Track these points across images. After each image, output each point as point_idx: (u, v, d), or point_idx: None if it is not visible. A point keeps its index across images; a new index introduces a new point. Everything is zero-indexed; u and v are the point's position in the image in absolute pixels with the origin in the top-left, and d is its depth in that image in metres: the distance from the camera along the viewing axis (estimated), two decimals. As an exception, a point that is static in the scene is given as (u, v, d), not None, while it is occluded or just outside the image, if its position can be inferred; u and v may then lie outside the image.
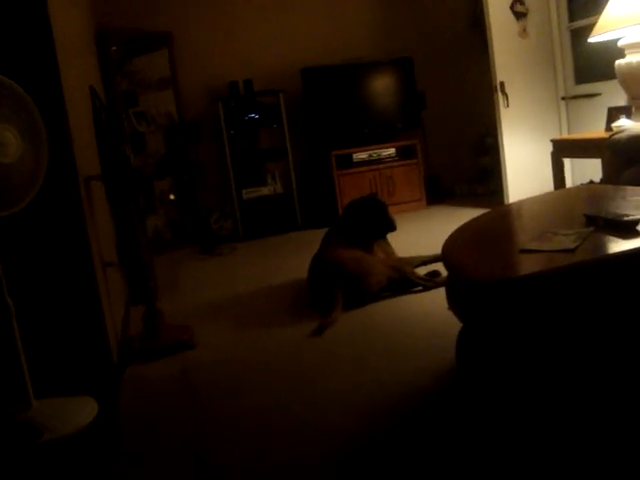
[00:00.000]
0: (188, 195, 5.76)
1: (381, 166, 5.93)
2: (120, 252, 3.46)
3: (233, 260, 4.90)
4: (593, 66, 4.93)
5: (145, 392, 2.49)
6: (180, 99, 5.68)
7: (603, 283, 1.70)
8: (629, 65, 3.66)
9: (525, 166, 5.13)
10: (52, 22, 2.34)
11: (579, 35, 5.03)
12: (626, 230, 1.87)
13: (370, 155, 5.94)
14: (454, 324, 2.16)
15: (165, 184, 5.71)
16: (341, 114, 5.97)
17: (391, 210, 3.71)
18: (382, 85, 6.11)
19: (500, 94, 5.02)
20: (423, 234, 4.78)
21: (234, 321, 3.27)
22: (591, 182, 4.46)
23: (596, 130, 4.58)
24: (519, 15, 5.09)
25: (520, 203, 2.84)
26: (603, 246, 1.90)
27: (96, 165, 3.12)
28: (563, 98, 5.28)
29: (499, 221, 2.61)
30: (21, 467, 1.92)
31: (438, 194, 6.30)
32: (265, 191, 5.81)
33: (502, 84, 5.01)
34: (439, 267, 3.47)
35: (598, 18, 3.79)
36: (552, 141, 4.35)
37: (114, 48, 5.27)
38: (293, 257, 4.57)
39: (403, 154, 6.03)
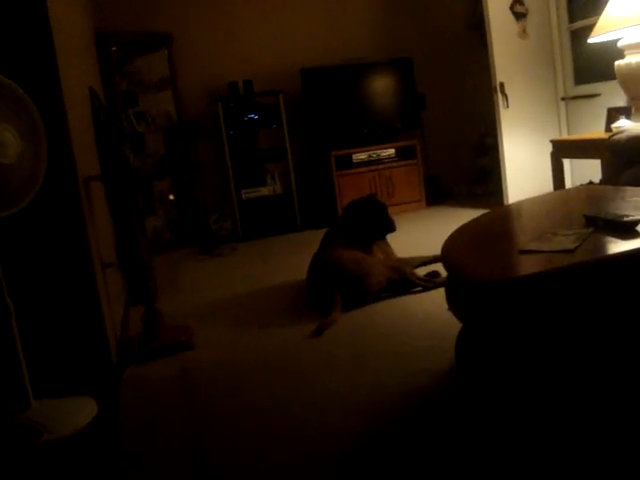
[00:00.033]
0: (187, 195, 5.76)
1: (380, 167, 5.94)
2: (119, 252, 3.46)
3: (232, 260, 4.90)
4: (593, 67, 4.93)
5: (144, 392, 2.49)
6: (180, 99, 5.68)
7: (603, 284, 1.70)
8: (629, 66, 3.66)
9: (525, 167, 5.13)
10: (52, 22, 2.34)
11: (579, 36, 5.04)
12: (625, 231, 1.87)
13: (370, 156, 5.94)
14: (454, 325, 2.16)
15: (164, 184, 5.71)
16: (341, 115, 5.97)
17: (391, 211, 3.71)
18: (382, 85, 6.11)
19: (500, 95, 5.02)
20: (423, 235, 4.78)
21: (233, 321, 3.26)
22: (590, 183, 4.46)
23: (596, 131, 4.58)
24: (519, 16, 5.09)
25: (520, 204, 2.84)
26: (603, 247, 1.90)
27: (95, 165, 3.12)
28: (563, 99, 5.29)
29: (499, 222, 2.61)
30: (20, 467, 1.92)
31: (438, 195, 6.30)
32: (264, 191, 5.81)
33: (502, 85, 5.01)
34: (439, 268, 3.47)
35: (598, 19, 3.79)
36: (552, 142, 4.35)
37: (114, 48, 5.28)
38: (292, 257, 4.57)
39: (403, 155, 6.03)
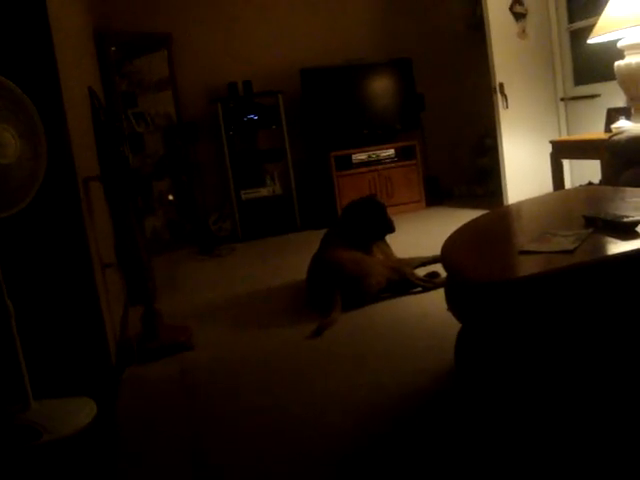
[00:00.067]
0: (187, 196, 5.76)
1: (380, 167, 5.94)
2: (119, 253, 3.46)
3: (232, 261, 4.89)
4: (592, 67, 4.93)
5: (144, 393, 2.49)
6: (179, 100, 5.68)
7: (602, 284, 1.70)
8: (628, 66, 3.66)
9: (524, 167, 5.13)
10: (51, 22, 2.34)
11: (578, 36, 5.04)
12: (625, 231, 1.88)
13: (369, 156, 5.94)
14: (453, 325, 2.16)
15: (164, 185, 5.71)
16: (340, 115, 5.97)
17: (390, 211, 3.71)
18: (381, 86, 6.11)
19: (499, 95, 5.02)
20: (422, 235, 4.78)
21: (233, 322, 3.26)
22: (590, 183, 4.47)
23: (595, 131, 4.58)
24: (518, 16, 5.10)
25: (519, 204, 2.84)
26: (602, 247, 1.90)
27: (95, 166, 3.12)
28: (562, 99, 5.29)
29: (498, 222, 2.61)
30: (20, 468, 1.92)
31: (437, 195, 6.30)
32: (264, 192, 5.81)
33: (501, 85, 5.01)
34: (438, 268, 3.47)
35: (597, 19, 3.79)
36: (551, 142, 4.35)
37: (113, 49, 5.28)
38: (292, 258, 4.57)
39: (402, 155, 6.03)
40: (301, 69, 5.79)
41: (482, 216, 2.65)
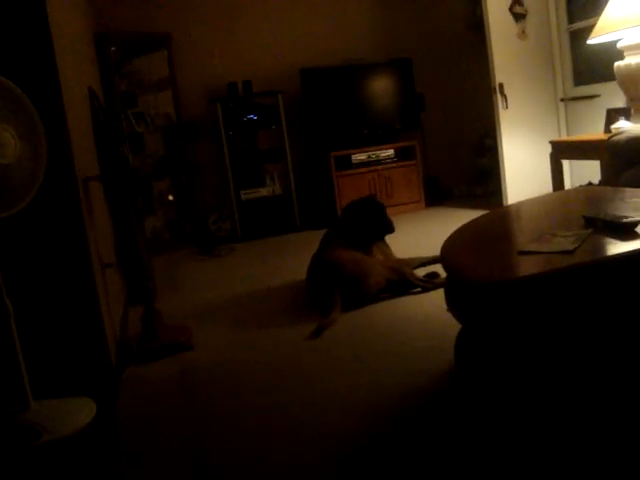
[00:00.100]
0: (187, 196, 5.76)
1: (380, 167, 5.94)
2: (119, 253, 3.46)
3: (231, 261, 4.89)
4: (592, 68, 4.94)
5: (144, 393, 2.48)
6: (179, 100, 5.68)
7: (602, 285, 1.71)
8: (628, 67, 3.66)
9: (524, 167, 5.13)
10: (51, 22, 2.34)
11: (578, 37, 5.04)
12: (625, 232, 1.88)
13: (369, 156, 5.94)
14: (453, 325, 2.16)
15: (164, 185, 5.71)
16: (340, 115, 5.97)
17: (390, 211, 3.71)
18: (381, 86, 6.12)
19: (499, 95, 5.02)
20: (422, 235, 4.78)
21: (233, 322, 3.26)
22: (590, 184, 4.47)
23: (595, 132, 4.58)
24: (518, 17, 5.10)
25: (519, 204, 2.84)
26: (602, 248, 1.90)
27: (95, 166, 3.11)
28: (562, 99, 5.29)
29: (498, 222, 2.61)
30: (20, 468, 1.92)
31: (437, 195, 6.30)
32: (264, 192, 5.82)
33: (501, 85, 5.02)
34: (438, 268, 3.47)
35: (597, 20, 3.79)
36: (551, 142, 4.35)
37: (113, 49, 5.27)
38: (292, 258, 4.57)
39: (402, 155, 6.04)
40: (301, 69, 5.79)
41: (482, 216, 2.65)
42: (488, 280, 1.81)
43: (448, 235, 2.31)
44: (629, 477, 1.50)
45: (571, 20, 5.14)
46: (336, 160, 5.82)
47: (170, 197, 5.74)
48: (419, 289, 3.32)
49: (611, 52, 3.96)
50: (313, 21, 6.15)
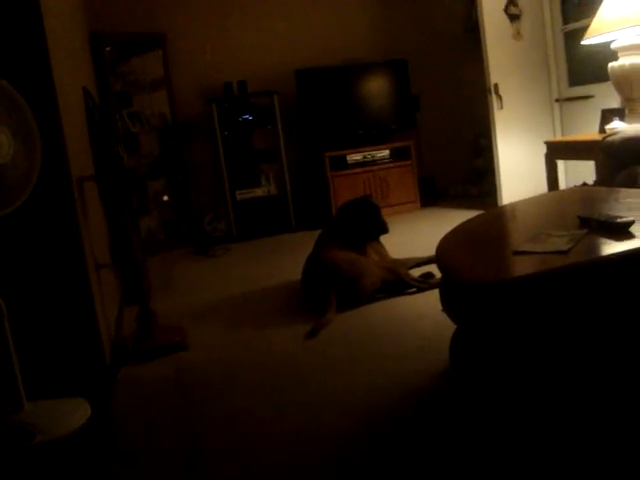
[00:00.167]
0: (182, 196, 5.75)
1: (375, 168, 5.94)
2: (113, 253, 3.45)
3: (227, 261, 4.89)
4: (586, 68, 4.95)
5: (139, 393, 2.48)
6: (174, 100, 5.67)
7: (596, 285, 1.71)
8: (622, 67, 3.67)
9: (519, 168, 5.14)
10: (45, 22, 2.33)
11: (573, 37, 5.05)
12: (619, 232, 1.88)
13: (364, 157, 5.95)
14: (448, 326, 2.16)
15: (159, 185, 5.70)
16: (335, 115, 5.97)
17: (385, 212, 3.72)
18: (376, 87, 6.12)
19: (494, 96, 5.04)
20: (417, 236, 4.78)
21: (228, 322, 3.26)
22: (584, 184, 4.48)
23: (589, 132, 4.59)
24: (513, 17, 5.11)
25: (514, 205, 2.84)
26: (596, 248, 1.90)
27: (89, 166, 3.11)
28: (557, 100, 5.30)
29: (493, 223, 2.62)
30: (14, 469, 1.91)
31: (432, 195, 6.30)
32: (259, 192, 5.81)
33: (496, 86, 5.03)
34: (433, 269, 3.47)
35: (591, 21, 3.81)
36: (546, 143, 4.36)
37: (108, 49, 5.26)
38: (287, 258, 4.56)
39: (397, 156, 6.04)
40: (296, 70, 5.79)
41: (477, 217, 2.65)
42: (483, 280, 1.81)
43: (443, 235, 2.31)
44: (629, 477, 1.51)
45: (566, 21, 5.16)
46: (331, 160, 5.82)
47: (165, 197, 5.73)
48: (414, 289, 3.32)
49: (605, 53, 3.97)
50: (309, 21, 6.14)
